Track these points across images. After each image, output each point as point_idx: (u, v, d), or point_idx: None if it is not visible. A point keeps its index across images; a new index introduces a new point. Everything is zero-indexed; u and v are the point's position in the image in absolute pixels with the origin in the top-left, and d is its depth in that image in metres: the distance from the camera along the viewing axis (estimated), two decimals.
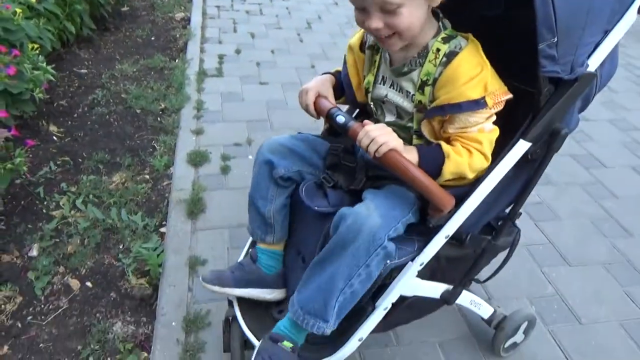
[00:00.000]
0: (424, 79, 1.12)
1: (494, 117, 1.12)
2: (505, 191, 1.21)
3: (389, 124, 1.21)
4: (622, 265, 2.07)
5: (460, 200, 1.14)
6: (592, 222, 2.31)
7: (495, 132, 1.12)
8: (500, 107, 1.10)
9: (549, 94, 1.10)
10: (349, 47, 1.31)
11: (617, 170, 2.72)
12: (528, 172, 1.21)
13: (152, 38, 4.04)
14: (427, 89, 1.13)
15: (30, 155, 2.45)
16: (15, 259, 1.90)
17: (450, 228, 1.15)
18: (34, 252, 1.92)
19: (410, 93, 1.17)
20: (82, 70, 3.36)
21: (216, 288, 1.32)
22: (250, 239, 1.47)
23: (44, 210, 2.15)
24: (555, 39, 1.00)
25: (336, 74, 1.35)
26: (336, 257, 1.11)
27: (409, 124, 1.21)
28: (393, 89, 1.21)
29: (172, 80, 3.30)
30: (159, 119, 2.89)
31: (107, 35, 4.00)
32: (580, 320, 1.80)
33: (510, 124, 1.17)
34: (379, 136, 1.05)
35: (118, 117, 2.87)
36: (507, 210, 1.27)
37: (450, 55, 1.08)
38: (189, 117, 2.87)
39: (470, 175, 1.12)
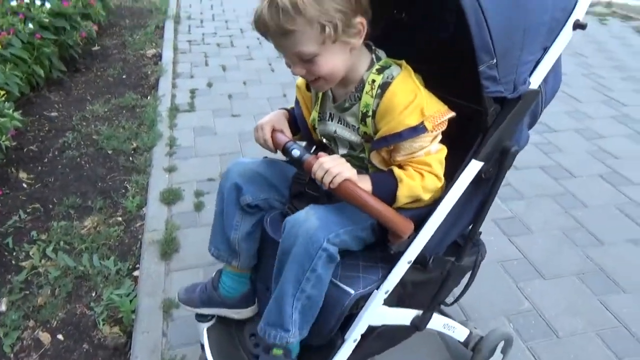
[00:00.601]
0: (364, 111, 1.14)
1: (439, 137, 1.13)
2: (463, 211, 1.22)
3: (343, 156, 1.23)
4: (596, 274, 2.09)
5: (419, 224, 1.15)
6: (563, 232, 2.34)
7: (443, 151, 1.14)
8: (443, 127, 1.11)
9: (496, 113, 1.13)
10: (297, 87, 1.34)
11: (586, 179, 2.77)
12: (484, 191, 1.23)
13: (124, 76, 4.05)
14: (369, 121, 1.15)
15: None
16: None
17: (412, 253, 1.16)
18: (3, 307, 1.88)
19: (355, 127, 1.20)
20: (53, 114, 3.35)
21: (188, 307, 1.43)
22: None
23: (13, 262, 2.11)
24: (495, 61, 1.03)
25: (291, 110, 1.37)
26: (283, 265, 1.13)
27: (362, 155, 1.23)
28: (340, 124, 1.24)
29: (144, 118, 3.30)
30: (131, 158, 2.88)
31: (78, 76, 4.00)
32: (558, 334, 1.80)
33: (463, 143, 1.20)
34: (332, 167, 1.06)
35: (89, 160, 2.86)
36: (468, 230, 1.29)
37: (384, 87, 1.10)
38: (161, 154, 2.87)
39: (426, 197, 1.13)
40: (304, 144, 1.45)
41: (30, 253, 2.15)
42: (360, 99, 1.15)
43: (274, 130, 1.27)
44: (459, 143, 1.19)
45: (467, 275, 1.42)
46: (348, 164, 1.09)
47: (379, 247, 1.22)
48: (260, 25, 1.03)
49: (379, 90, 1.11)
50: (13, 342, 1.75)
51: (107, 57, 4.39)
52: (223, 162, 2.82)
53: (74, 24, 3.77)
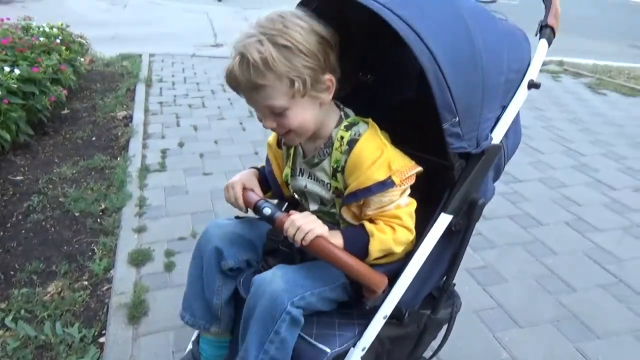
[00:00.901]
0: (334, 166, 1.17)
1: (408, 191, 1.16)
2: (436, 263, 1.23)
3: (314, 212, 1.24)
4: (570, 321, 2.10)
5: (393, 279, 1.15)
6: (536, 280, 2.36)
7: (412, 204, 1.16)
8: (410, 182, 1.14)
9: (461, 168, 1.17)
10: (268, 145, 1.37)
11: (552, 227, 2.85)
12: (455, 243, 1.25)
13: (93, 138, 4.02)
14: (339, 176, 1.17)
15: None
16: None
17: (388, 307, 1.15)
18: None
19: (325, 182, 1.22)
20: (18, 177, 3.27)
21: None
22: (196, 332, 1.41)
23: None
24: (457, 119, 1.08)
25: (261, 169, 1.39)
26: (248, 325, 1.12)
27: (333, 210, 1.24)
28: (311, 179, 1.26)
29: (114, 179, 3.26)
30: (98, 220, 2.81)
31: (46, 139, 3.95)
32: None
33: (431, 198, 1.23)
34: (304, 224, 1.07)
35: (55, 223, 2.78)
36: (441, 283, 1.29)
37: (351, 143, 1.13)
38: (130, 215, 2.81)
39: (398, 250, 1.14)
40: (275, 201, 1.46)
41: None
42: (329, 154, 1.18)
43: (244, 189, 1.28)
44: (428, 197, 1.22)
45: (444, 328, 1.41)
46: (319, 221, 1.10)
47: (354, 303, 1.20)
48: (232, 80, 1.06)
49: (346, 147, 1.14)
50: None
51: (76, 120, 4.37)
52: (195, 221, 2.79)
53: (43, 88, 3.76)
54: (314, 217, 1.10)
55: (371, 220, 1.15)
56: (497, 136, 1.21)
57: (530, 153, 3.93)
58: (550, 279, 2.38)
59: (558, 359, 1.90)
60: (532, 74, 1.23)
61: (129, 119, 4.43)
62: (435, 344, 1.45)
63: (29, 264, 2.39)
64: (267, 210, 1.16)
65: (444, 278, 1.29)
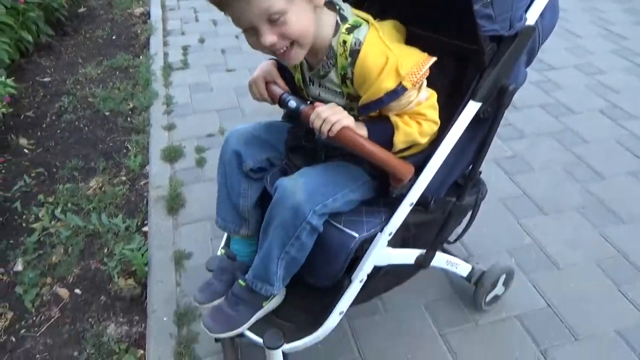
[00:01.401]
0: (342, 73, 1.10)
1: (424, 84, 1.10)
2: (463, 152, 1.23)
3: None
4: (596, 208, 2.13)
5: (419, 168, 1.16)
6: (564, 169, 2.36)
7: (433, 96, 1.12)
8: (424, 78, 1.07)
9: (492, 52, 1.12)
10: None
11: (585, 115, 2.77)
12: (482, 131, 1.23)
13: (113, 37, 3.97)
14: (349, 83, 1.11)
15: (3, 171, 2.44)
16: (0, 275, 1.91)
17: (414, 196, 1.18)
18: (19, 267, 1.93)
19: (337, 91, 1.17)
20: (46, 79, 3.31)
21: (216, 302, 1.31)
22: (225, 237, 1.47)
23: (24, 224, 2.15)
24: None
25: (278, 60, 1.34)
26: (270, 228, 1.16)
27: (351, 112, 1.18)
28: (322, 88, 1.21)
29: (138, 78, 3.26)
30: (129, 119, 2.87)
31: (67, 39, 3.92)
32: (559, 266, 1.86)
33: (458, 83, 1.20)
34: (330, 115, 1.06)
35: (87, 122, 2.85)
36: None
37: (353, 54, 1.06)
38: (158, 113, 2.85)
39: (423, 140, 1.14)
40: None
41: (40, 215, 2.19)
42: (334, 65, 1.11)
43: (267, 83, 1.26)
44: (454, 84, 1.19)
45: (469, 214, 1.46)
46: (345, 112, 1.08)
47: (380, 194, 1.23)
48: None
49: (350, 58, 1.06)
50: (33, 298, 1.82)
51: (94, 19, 4.28)
52: (222, 118, 2.81)
53: None
54: (339, 108, 1.09)
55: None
56: (532, 17, 1.13)
57: (567, 37, 3.69)
58: (579, 166, 2.37)
59: (581, 243, 1.95)
60: None
61: (146, 15, 4.31)
62: (459, 229, 1.50)
63: (68, 162, 2.51)
64: (292, 103, 1.16)
65: (471, 166, 1.30)
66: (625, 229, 2.02)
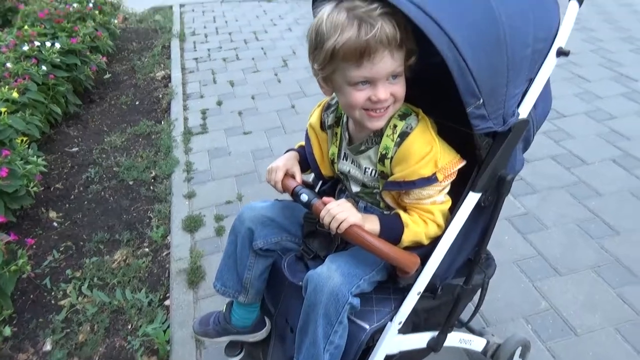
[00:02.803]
0: (383, 152, 1.20)
1: (448, 188, 1.20)
2: (467, 238, 1.28)
3: (356, 193, 1.32)
4: (612, 266, 2.12)
5: (425, 257, 1.21)
6: (578, 225, 2.36)
7: (448, 202, 1.21)
8: (452, 178, 1.18)
9: (489, 146, 1.18)
10: (310, 126, 1.40)
11: (598, 165, 2.78)
12: (485, 217, 1.28)
13: (137, 103, 4.17)
14: (387, 162, 1.21)
15: (34, 247, 2.56)
16: (30, 356, 2.00)
17: (421, 285, 1.22)
18: (48, 347, 2.01)
19: (368, 169, 1.27)
20: (74, 149, 3.49)
21: (205, 338, 1.59)
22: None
23: (53, 301, 2.24)
24: (481, 101, 1.07)
25: (300, 150, 1.44)
26: (312, 321, 1.21)
27: (375, 190, 1.30)
28: (354, 165, 1.31)
29: (160, 144, 3.41)
30: (151, 187, 3.00)
31: (93, 107, 4.13)
32: (576, 332, 1.85)
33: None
34: (339, 213, 1.14)
35: (113, 192, 2.99)
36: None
37: (403, 135, 1.17)
38: (179, 181, 2.98)
39: (426, 242, 1.21)
40: (311, 176, 1.53)
41: (68, 291, 2.28)
42: (377, 143, 1.22)
43: (286, 175, 1.35)
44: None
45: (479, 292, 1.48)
46: (354, 209, 1.16)
47: (391, 279, 1.29)
48: (384, 37, 1.04)
49: (398, 139, 1.17)
50: None
51: (118, 84, 4.52)
52: (239, 183, 2.92)
53: (84, 58, 3.89)
54: (348, 204, 1.16)
55: (405, 210, 1.21)
56: (524, 111, 1.19)
57: (577, 82, 3.74)
58: (593, 222, 2.37)
59: (598, 305, 1.95)
60: (561, 40, 1.17)
61: (167, 79, 4.53)
62: (472, 303, 1.53)
63: (95, 234, 2.62)
64: (304, 197, 1.24)
65: (476, 250, 1.34)
66: None
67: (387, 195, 1.26)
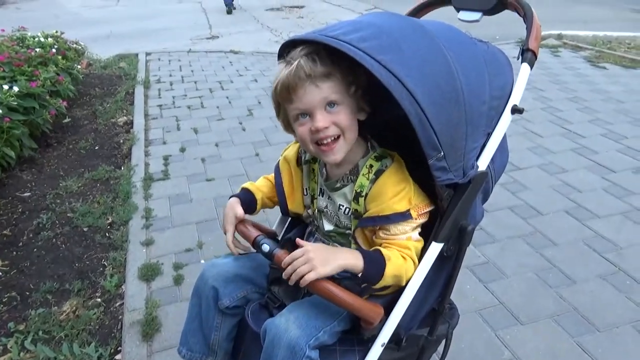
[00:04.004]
0: (358, 190, 1.23)
1: (419, 229, 1.21)
2: (431, 288, 1.28)
3: (329, 231, 1.32)
4: (570, 315, 2.15)
5: (389, 307, 1.20)
6: (536, 274, 2.41)
7: (421, 242, 1.21)
8: (424, 219, 1.21)
9: (449, 197, 1.21)
10: (285, 159, 1.40)
11: (552, 216, 2.88)
12: (448, 267, 1.29)
13: (96, 147, 4.08)
14: (361, 200, 1.23)
15: None
16: None
17: (385, 336, 1.20)
18: None
19: (343, 206, 1.28)
20: (25, 194, 3.34)
21: None
22: None
23: None
24: (442, 154, 1.11)
25: (240, 194, 1.42)
26: None
27: (347, 231, 1.30)
28: (330, 201, 1.32)
29: (119, 190, 3.32)
30: (107, 234, 2.88)
31: (50, 151, 4.01)
32: None
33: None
34: (302, 267, 1.11)
35: (65, 239, 2.85)
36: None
37: (378, 173, 1.21)
38: (137, 228, 2.88)
39: (403, 282, 1.19)
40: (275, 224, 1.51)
41: (9, 346, 2.11)
42: (353, 181, 1.25)
43: (241, 224, 1.32)
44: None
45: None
46: (317, 258, 1.12)
47: (354, 330, 1.26)
48: (301, 72, 1.11)
49: (373, 176, 1.21)
50: None
51: (78, 129, 4.42)
52: (200, 230, 2.85)
53: (43, 102, 3.81)
54: (311, 254, 1.13)
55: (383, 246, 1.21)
56: (483, 163, 1.23)
57: (530, 137, 3.94)
58: (551, 271, 2.43)
59: (558, 355, 1.96)
60: (515, 99, 1.24)
61: (129, 124, 4.47)
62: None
63: (43, 284, 2.47)
64: (266, 247, 1.21)
65: (440, 300, 1.33)
66: (601, 338, 2.04)
67: (359, 236, 1.26)
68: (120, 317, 2.27)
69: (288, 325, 1.15)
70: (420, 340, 1.32)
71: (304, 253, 1.13)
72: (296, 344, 1.13)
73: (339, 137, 1.17)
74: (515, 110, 1.23)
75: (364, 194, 1.22)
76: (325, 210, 1.34)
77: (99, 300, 2.40)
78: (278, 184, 1.41)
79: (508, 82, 1.26)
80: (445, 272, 1.30)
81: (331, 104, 1.15)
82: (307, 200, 1.40)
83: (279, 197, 1.42)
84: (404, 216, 1.17)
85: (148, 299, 2.32)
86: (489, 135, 1.24)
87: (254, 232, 1.28)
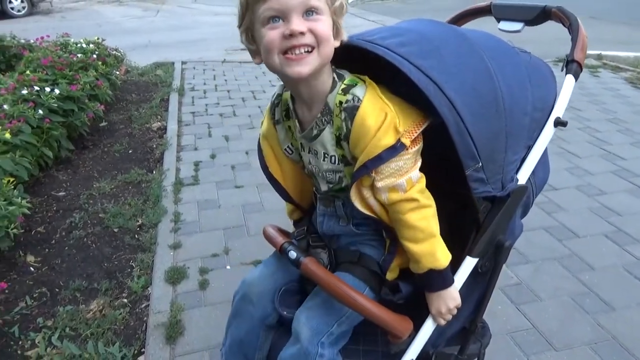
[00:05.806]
0: (337, 134, 1.11)
1: (419, 160, 1.10)
2: (464, 304, 1.22)
3: (325, 192, 1.23)
4: (608, 344, 2.04)
5: (417, 320, 1.16)
6: (572, 298, 2.31)
7: (423, 179, 1.11)
8: (420, 143, 1.08)
9: (487, 211, 1.16)
10: (263, 136, 1.29)
11: (590, 239, 2.76)
12: (482, 284, 1.24)
13: (130, 151, 4.16)
14: (344, 144, 1.11)
15: (7, 291, 2.43)
16: None
17: (413, 352, 1.16)
18: None
19: (327, 154, 1.16)
20: (60, 193, 3.43)
21: None
22: None
23: (19, 351, 2.10)
24: (480, 164, 1.07)
25: None
26: None
27: (344, 184, 1.19)
28: (311, 154, 1.20)
29: (150, 193, 3.37)
30: (136, 236, 2.91)
31: (86, 153, 4.11)
32: None
33: (460, 233, 1.22)
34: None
35: (96, 239, 2.90)
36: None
37: (352, 111, 1.05)
38: (166, 231, 2.90)
39: (436, 234, 1.12)
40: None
41: (36, 341, 2.14)
42: (329, 122, 1.11)
43: (268, 227, 1.31)
44: (457, 233, 1.21)
45: None
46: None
47: (381, 343, 1.22)
48: None
49: (345, 114, 1.07)
50: None
51: (114, 133, 4.53)
52: (227, 236, 2.85)
53: (82, 105, 3.92)
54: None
55: (385, 216, 1.14)
56: (523, 177, 1.19)
57: (567, 158, 3.81)
58: (588, 296, 2.32)
59: None
60: (559, 111, 1.20)
61: (163, 130, 4.55)
62: None
63: (72, 281, 2.51)
64: (292, 254, 1.20)
65: (472, 318, 1.28)
66: None
67: (356, 197, 1.14)
68: (145, 318, 2.28)
69: (299, 326, 1.15)
70: (450, 359, 1.26)
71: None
72: (307, 348, 1.12)
73: (312, 49, 1.01)
74: (559, 122, 1.19)
75: (343, 136, 1.09)
76: (311, 166, 1.22)
77: (125, 300, 2.41)
78: (264, 168, 1.31)
79: (551, 93, 1.22)
80: (478, 289, 1.25)
81: (310, 11, 1.00)
82: (296, 157, 1.27)
83: (272, 184, 1.32)
84: (396, 149, 1.03)
85: (173, 302, 2.32)
86: (529, 148, 1.20)
87: (280, 239, 1.27)
